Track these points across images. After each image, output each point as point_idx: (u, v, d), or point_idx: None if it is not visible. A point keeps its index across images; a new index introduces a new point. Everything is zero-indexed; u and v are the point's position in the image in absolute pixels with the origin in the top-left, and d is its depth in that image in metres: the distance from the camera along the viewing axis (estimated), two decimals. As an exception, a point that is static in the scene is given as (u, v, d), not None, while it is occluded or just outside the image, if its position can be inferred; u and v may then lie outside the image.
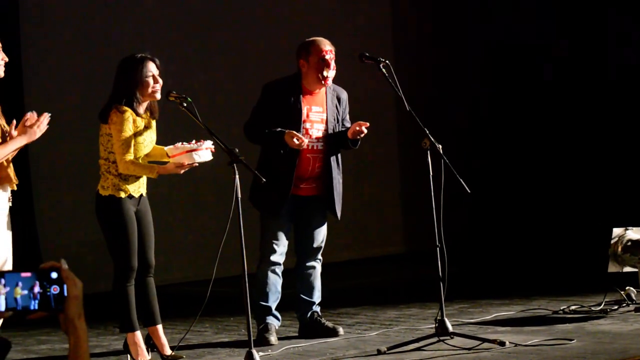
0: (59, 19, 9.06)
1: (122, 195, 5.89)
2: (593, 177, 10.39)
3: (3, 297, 2.36)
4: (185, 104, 5.81)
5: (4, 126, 5.38)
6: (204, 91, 9.31)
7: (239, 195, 5.64)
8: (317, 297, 6.56)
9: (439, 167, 5.98)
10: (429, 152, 5.99)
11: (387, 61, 6.11)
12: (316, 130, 6.37)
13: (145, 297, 6.07)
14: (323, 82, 6.31)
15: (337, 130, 6.45)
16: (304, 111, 6.34)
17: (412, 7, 11.17)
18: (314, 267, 6.55)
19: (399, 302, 7.67)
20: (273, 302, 6.44)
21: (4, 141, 5.32)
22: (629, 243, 6.94)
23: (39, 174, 8.78)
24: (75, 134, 8.73)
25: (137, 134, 5.88)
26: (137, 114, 5.88)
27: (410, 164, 10.19)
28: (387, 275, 9.61)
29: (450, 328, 5.98)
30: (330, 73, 6.30)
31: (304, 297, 6.54)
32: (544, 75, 10.92)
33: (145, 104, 5.95)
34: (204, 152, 5.86)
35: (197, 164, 5.92)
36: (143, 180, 6.01)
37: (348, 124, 6.50)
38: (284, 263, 6.47)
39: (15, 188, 5.43)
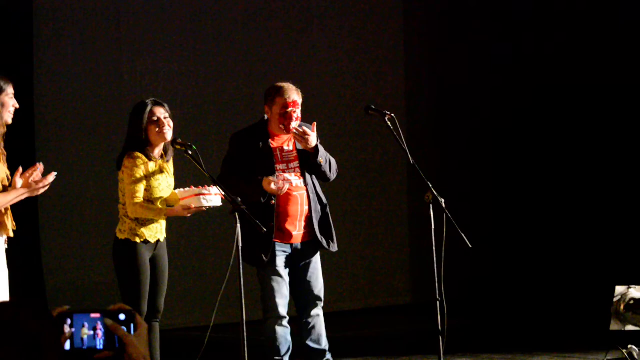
0: (71, 65, 9.15)
1: (138, 240, 6.00)
2: (597, 235, 10.36)
3: (68, 337, 2.41)
4: (190, 152, 5.89)
5: (8, 175, 5.42)
6: (215, 136, 9.37)
7: (240, 244, 5.68)
8: (325, 343, 6.50)
9: (443, 220, 6.00)
10: (431, 205, 6.01)
11: (393, 114, 6.14)
12: (292, 170, 6.34)
13: (149, 342, 6.10)
14: (286, 131, 6.29)
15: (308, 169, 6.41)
16: (277, 154, 6.32)
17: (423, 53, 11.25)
18: (318, 315, 6.49)
19: (401, 354, 7.65)
20: (285, 354, 6.39)
21: (5, 190, 5.36)
22: (632, 302, 6.92)
23: (47, 214, 8.84)
24: (85, 177, 8.80)
25: (150, 177, 5.99)
26: (150, 158, 5.99)
27: (420, 214, 10.20)
28: (391, 326, 9.58)
29: (449, 382, 5.96)
30: (293, 124, 6.27)
31: (314, 346, 6.46)
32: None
33: (159, 148, 6.09)
34: (214, 197, 5.94)
35: (205, 208, 5.99)
36: (161, 226, 6.09)
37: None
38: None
39: (12, 235, 5.45)
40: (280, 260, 6.32)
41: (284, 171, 6.31)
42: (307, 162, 6.35)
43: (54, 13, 9.13)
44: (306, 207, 6.34)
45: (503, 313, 9.89)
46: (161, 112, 6.05)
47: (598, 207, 10.49)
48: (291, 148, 6.38)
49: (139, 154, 5.99)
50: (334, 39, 10.64)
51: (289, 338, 6.41)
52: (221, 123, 9.66)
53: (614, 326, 6.96)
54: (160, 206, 6.01)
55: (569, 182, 10.70)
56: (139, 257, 5.98)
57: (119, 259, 6.02)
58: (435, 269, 5.96)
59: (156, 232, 6.06)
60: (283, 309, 6.34)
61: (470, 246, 5.95)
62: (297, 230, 6.33)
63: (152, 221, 6.02)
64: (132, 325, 2.46)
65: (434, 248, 5.97)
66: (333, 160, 6.48)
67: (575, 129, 10.64)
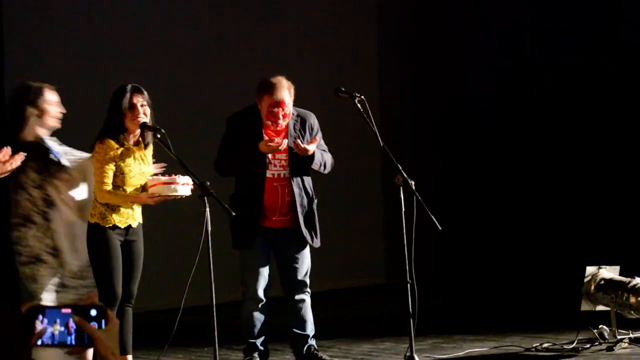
0: (43, 49, 9.10)
1: (107, 224, 5.99)
2: (567, 215, 10.40)
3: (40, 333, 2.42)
4: (159, 135, 5.85)
5: None
6: (188, 120, 9.32)
7: (209, 228, 5.67)
8: (310, 329, 6.53)
9: (413, 203, 6.00)
10: (401, 187, 6.02)
11: (362, 97, 6.13)
12: (278, 160, 6.35)
13: (121, 326, 6.08)
14: (272, 126, 6.31)
15: (298, 161, 6.40)
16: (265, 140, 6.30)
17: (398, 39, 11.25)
18: (303, 300, 6.51)
19: (374, 335, 7.67)
20: (259, 337, 6.42)
21: None
22: (602, 282, 6.97)
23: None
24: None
25: (120, 165, 5.95)
26: (122, 144, 5.95)
27: (394, 195, 10.20)
28: (365, 307, 9.60)
29: (419, 365, 5.98)
30: (281, 121, 6.27)
31: (297, 331, 6.52)
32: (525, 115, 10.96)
33: (134, 135, 6.04)
34: (182, 187, 5.91)
35: (173, 197, 5.96)
36: (133, 211, 6.08)
37: (324, 147, 6.50)
38: (274, 292, 6.46)
39: None
40: (260, 243, 6.34)
41: (269, 161, 6.31)
42: (299, 161, 6.34)
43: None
44: (288, 198, 6.35)
45: (475, 294, 9.93)
46: (139, 100, 6.01)
47: (569, 187, 10.53)
48: (280, 137, 6.34)
49: (110, 140, 5.95)
50: (306, 17, 10.62)
51: (263, 320, 6.42)
52: (195, 107, 9.64)
53: (585, 306, 7.02)
54: (129, 193, 5.98)
55: (539, 163, 10.73)
56: (108, 242, 5.98)
57: (89, 244, 5.98)
58: (406, 251, 5.96)
59: (127, 217, 6.04)
60: (260, 291, 6.36)
61: (440, 228, 5.96)
62: (276, 216, 6.36)
63: (121, 207, 5.99)
64: (102, 321, 2.46)
65: (404, 230, 5.97)
66: (328, 160, 6.49)
67: (549, 111, 10.68)
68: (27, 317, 2.39)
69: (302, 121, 6.44)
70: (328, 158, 6.49)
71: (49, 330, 2.43)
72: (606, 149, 10.34)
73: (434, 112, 11.15)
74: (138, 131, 6.04)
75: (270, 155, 6.30)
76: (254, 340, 6.43)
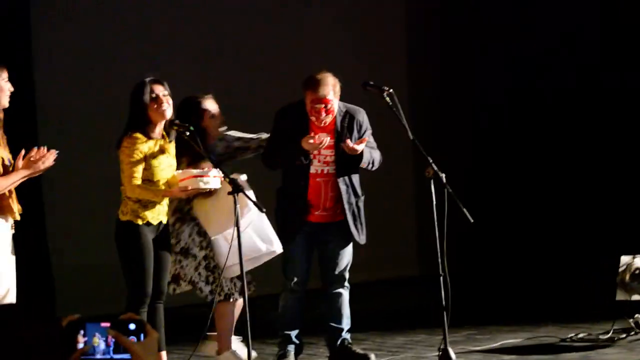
0: (70, 47, 9.15)
1: (140, 222, 5.94)
2: (602, 205, 10.33)
3: (82, 345, 2.42)
4: (187, 133, 5.85)
5: (9, 158, 5.42)
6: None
7: (240, 225, 5.67)
8: (346, 323, 6.54)
9: (444, 196, 5.97)
10: (432, 180, 6.00)
11: (391, 90, 6.10)
12: (323, 155, 6.35)
13: (153, 323, 6.09)
14: (317, 123, 6.30)
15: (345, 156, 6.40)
16: (312, 134, 6.28)
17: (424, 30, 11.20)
18: (340, 294, 6.52)
19: (408, 327, 7.67)
20: (293, 330, 6.46)
21: (6, 173, 5.36)
22: (637, 271, 6.91)
23: (52, 195, 8.84)
24: (88, 159, 8.79)
25: (150, 157, 5.92)
26: (150, 138, 5.93)
27: (426, 187, 10.18)
28: (398, 299, 9.59)
29: (454, 357, 5.96)
30: (324, 117, 6.25)
31: (332, 324, 6.53)
32: (547, 102, 10.90)
33: (159, 127, 6.00)
34: (212, 179, 5.90)
35: (203, 190, 5.96)
36: (163, 207, 6.04)
37: (373, 144, 6.48)
38: (311, 285, 6.48)
39: (19, 218, 5.47)
40: (301, 237, 6.36)
41: (314, 156, 6.31)
42: (346, 158, 6.33)
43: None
44: (332, 194, 6.35)
45: (509, 284, 9.89)
46: (160, 90, 5.98)
47: (603, 176, 10.46)
48: (327, 134, 6.31)
49: (138, 134, 5.91)
50: (334, 12, 10.60)
51: (300, 316, 6.45)
52: (227, 101, 9.64)
53: (620, 296, 6.96)
54: (161, 187, 5.97)
55: (574, 153, 10.68)
56: (142, 239, 5.93)
57: (121, 241, 5.98)
58: (438, 244, 5.95)
59: (158, 214, 6.01)
60: (298, 285, 6.40)
61: (472, 221, 5.93)
62: (319, 211, 6.37)
63: (154, 203, 5.95)
64: (142, 335, 2.46)
65: (435, 223, 5.95)
66: (377, 158, 6.49)
67: (574, 110, 10.64)
68: (67, 331, 2.39)
69: (350, 117, 6.40)
70: (377, 156, 6.48)
71: (94, 346, 2.43)
72: (638, 138, 10.28)
73: (464, 105, 11.10)
74: (163, 123, 6.01)
75: (315, 151, 6.29)
76: (288, 333, 6.45)
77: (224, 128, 6.54)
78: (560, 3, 10.67)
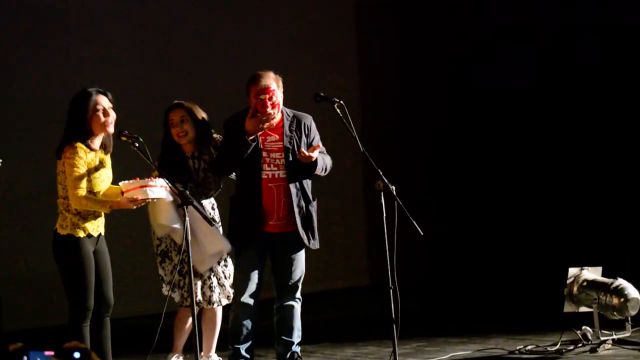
0: (18, 52, 9.04)
1: (81, 234, 5.87)
2: (549, 217, 10.42)
3: None
4: (137, 144, 5.79)
5: None
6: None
7: (189, 237, 5.63)
8: (296, 336, 6.50)
9: (394, 208, 5.97)
10: (382, 193, 5.99)
11: (342, 101, 6.10)
12: (273, 159, 6.31)
13: (100, 337, 6.02)
14: (261, 115, 6.23)
15: (295, 161, 6.35)
16: (259, 139, 6.28)
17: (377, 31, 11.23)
18: (292, 307, 6.47)
19: (357, 339, 7.65)
20: (242, 343, 6.38)
21: None
22: (585, 283, 6.96)
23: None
24: (34, 167, 8.69)
25: (91, 169, 5.85)
26: (91, 149, 5.86)
27: (377, 196, 10.19)
28: (348, 310, 9.58)
29: (403, 370, 5.96)
30: (270, 110, 6.22)
31: (283, 337, 6.47)
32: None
33: (99, 139, 5.94)
34: (158, 189, 5.87)
35: (150, 200, 5.92)
36: (102, 219, 5.98)
37: (323, 149, 6.45)
38: (263, 294, 6.41)
39: None
40: (255, 248, 6.29)
41: (264, 160, 6.26)
42: (296, 162, 6.29)
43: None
44: (285, 199, 6.30)
45: (458, 296, 9.93)
46: (105, 102, 5.92)
47: (550, 190, 10.55)
48: (276, 137, 6.32)
49: (81, 145, 5.83)
50: (284, 20, 10.60)
51: (250, 329, 6.37)
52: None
53: (568, 308, 7.01)
54: (101, 198, 5.89)
55: (521, 167, 10.75)
56: (84, 252, 5.85)
57: (62, 256, 5.87)
58: (388, 257, 5.94)
59: (97, 225, 5.95)
60: (248, 297, 6.31)
61: (422, 234, 5.93)
62: (274, 220, 6.31)
63: (93, 215, 5.88)
64: None
65: (385, 237, 5.94)
66: (328, 163, 6.47)
67: (533, 114, 10.72)
68: (13, 357, 2.35)
69: (297, 122, 6.40)
70: (328, 161, 6.47)
71: None
72: (586, 154, 10.37)
73: (417, 115, 11.13)
74: (102, 135, 5.94)
75: (265, 155, 6.25)
76: (238, 346, 6.39)
77: (218, 136, 6.53)
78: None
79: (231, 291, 6.51)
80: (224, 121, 6.45)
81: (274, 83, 6.28)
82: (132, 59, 9.63)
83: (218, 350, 6.68)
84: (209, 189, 6.52)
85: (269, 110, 6.23)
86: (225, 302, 6.53)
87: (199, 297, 6.41)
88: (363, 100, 10.77)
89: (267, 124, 6.18)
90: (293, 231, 6.37)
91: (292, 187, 6.34)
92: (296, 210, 6.34)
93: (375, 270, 10.77)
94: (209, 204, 6.55)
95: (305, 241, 6.41)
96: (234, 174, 6.47)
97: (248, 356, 6.41)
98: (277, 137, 6.34)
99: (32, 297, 8.69)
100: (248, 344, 6.40)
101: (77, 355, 2.42)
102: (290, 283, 6.43)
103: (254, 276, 6.32)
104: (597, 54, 10.44)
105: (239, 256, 6.33)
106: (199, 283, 6.42)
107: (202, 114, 6.55)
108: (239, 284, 6.34)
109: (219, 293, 6.50)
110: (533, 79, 10.72)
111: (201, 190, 6.46)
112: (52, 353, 2.41)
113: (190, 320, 6.35)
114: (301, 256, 6.46)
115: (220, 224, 6.56)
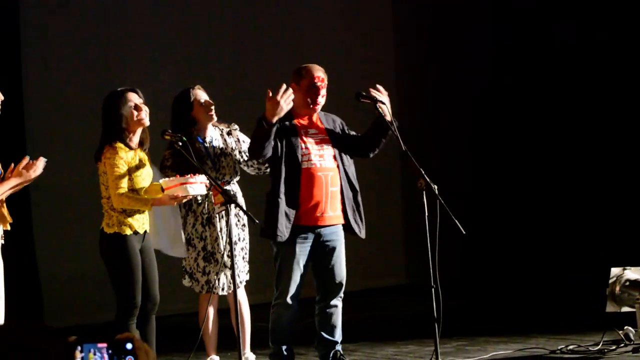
0: (59, 58, 9.12)
1: (128, 232, 5.91)
2: (592, 217, 10.35)
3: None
4: (180, 143, 5.83)
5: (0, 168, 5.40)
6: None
7: (233, 236, 5.65)
8: (338, 335, 6.44)
9: (436, 207, 5.95)
10: (424, 192, 5.97)
11: (383, 101, 6.10)
12: (320, 149, 6.25)
13: (146, 335, 6.06)
14: (312, 106, 6.23)
15: (343, 148, 6.34)
16: (302, 134, 6.24)
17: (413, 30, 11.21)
18: (336, 306, 6.40)
19: (397, 338, 7.64)
20: (284, 343, 6.34)
21: None
22: (627, 283, 6.91)
23: (39, 204, 8.81)
24: (77, 167, 8.75)
25: (132, 168, 5.90)
26: (130, 148, 5.91)
27: (413, 195, 10.19)
28: (387, 309, 9.58)
29: (445, 370, 5.95)
30: (320, 99, 6.24)
31: (325, 335, 6.40)
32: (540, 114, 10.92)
33: (137, 136, 5.99)
34: (198, 185, 5.89)
35: (191, 197, 5.96)
36: (146, 216, 6.02)
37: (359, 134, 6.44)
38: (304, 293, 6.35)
39: (9, 228, 5.43)
40: (300, 246, 6.19)
41: (309, 152, 6.20)
42: (343, 153, 6.27)
43: (41, 3, 9.08)
44: (332, 189, 6.22)
45: (499, 295, 9.89)
46: (136, 98, 5.96)
47: (594, 189, 10.49)
48: (316, 131, 6.29)
49: (120, 144, 5.88)
50: (324, 16, 10.61)
51: (292, 328, 6.33)
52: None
53: (610, 308, 6.96)
54: (144, 196, 5.94)
55: (564, 165, 10.70)
56: (131, 249, 5.89)
57: (110, 254, 5.92)
58: (430, 256, 5.92)
59: (143, 222, 5.99)
60: (292, 298, 6.23)
61: (464, 232, 5.90)
62: (320, 213, 6.22)
63: (137, 212, 5.92)
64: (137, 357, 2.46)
65: (427, 236, 5.92)
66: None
67: (562, 115, 10.66)
68: (70, 346, 2.39)
69: (333, 120, 6.43)
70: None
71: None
72: (632, 152, 10.30)
73: (454, 116, 11.11)
74: (139, 131, 5.98)
75: (309, 145, 6.21)
76: (280, 346, 6.35)
77: (235, 127, 6.52)
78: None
79: (241, 278, 6.44)
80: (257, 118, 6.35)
81: (325, 76, 6.31)
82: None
83: (252, 348, 6.67)
84: (223, 173, 6.44)
85: (321, 99, 6.22)
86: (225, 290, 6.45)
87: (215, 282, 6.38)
88: (399, 101, 10.76)
89: (286, 105, 5.99)
90: (340, 225, 6.31)
91: (342, 176, 6.29)
92: (346, 201, 6.27)
93: (413, 269, 10.76)
94: (230, 192, 6.39)
95: (357, 231, 6.34)
96: (266, 165, 6.40)
97: (288, 355, 6.40)
98: (317, 130, 6.31)
99: (76, 295, 8.76)
100: (289, 344, 6.39)
101: (129, 346, 2.45)
102: (337, 281, 6.36)
103: (297, 276, 6.23)
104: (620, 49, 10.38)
105: (283, 253, 6.23)
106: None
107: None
108: (283, 284, 6.23)
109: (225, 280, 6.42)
110: (561, 78, 10.67)
111: (216, 175, 6.39)
112: (105, 345, 2.45)
113: (211, 316, 6.42)
114: (344, 253, 6.41)
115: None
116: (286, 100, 6.01)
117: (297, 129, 6.25)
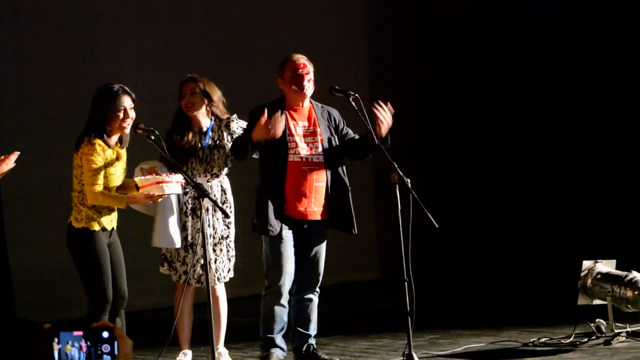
0: (32, 49, 9.05)
1: (96, 227, 5.89)
2: (563, 210, 10.42)
3: (56, 351, 2.42)
4: (152, 137, 5.81)
5: None
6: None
7: (206, 231, 5.64)
8: (313, 329, 6.44)
9: (409, 201, 5.97)
10: (397, 186, 5.98)
11: (357, 95, 6.09)
12: (306, 144, 6.22)
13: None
14: (300, 91, 6.20)
15: (335, 143, 6.31)
16: (291, 126, 6.21)
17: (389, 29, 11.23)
18: (311, 300, 6.40)
19: (371, 331, 7.65)
20: (278, 333, 6.31)
21: None
22: (599, 276, 6.96)
23: (10, 198, 8.74)
24: (48, 160, 8.70)
25: (107, 165, 5.89)
26: (108, 145, 5.89)
27: (387, 190, 10.20)
28: (360, 303, 9.59)
29: (418, 363, 5.97)
30: (306, 84, 6.19)
31: (300, 329, 6.40)
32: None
33: (116, 136, 5.97)
34: (174, 184, 5.89)
35: (166, 195, 5.94)
36: (115, 214, 6.02)
37: (354, 135, 6.40)
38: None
39: None
40: (289, 236, 6.18)
41: (298, 144, 6.17)
42: (332, 147, 6.26)
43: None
44: (318, 184, 6.19)
45: (471, 288, 9.93)
46: (128, 102, 5.94)
47: (565, 182, 10.55)
48: (307, 124, 6.26)
49: (99, 141, 5.87)
50: (296, 18, 10.60)
51: (285, 318, 6.31)
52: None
53: (582, 300, 7.01)
54: (117, 194, 5.92)
55: (535, 160, 10.76)
56: (99, 244, 5.88)
57: (78, 249, 5.90)
58: (403, 250, 5.93)
59: (111, 219, 5.99)
60: (284, 287, 6.22)
61: (437, 226, 5.92)
62: (305, 207, 6.20)
63: (108, 209, 5.91)
64: (115, 343, 2.45)
65: (400, 229, 5.93)
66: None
67: (542, 110, 10.73)
68: (47, 336, 2.38)
69: (328, 113, 6.39)
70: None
71: (63, 350, 2.42)
72: (602, 147, 10.37)
73: (429, 109, 11.13)
74: (119, 133, 5.97)
75: (297, 139, 6.15)
76: (273, 336, 6.29)
77: (235, 116, 6.50)
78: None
79: (219, 275, 6.41)
80: (250, 110, 6.30)
81: (308, 62, 6.27)
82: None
83: (226, 343, 6.65)
84: (212, 166, 6.42)
85: (308, 84, 6.19)
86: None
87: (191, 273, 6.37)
88: (372, 95, 10.77)
89: (272, 132, 5.99)
90: (323, 220, 6.28)
91: (330, 173, 6.26)
92: (335, 197, 6.24)
93: (386, 263, 10.78)
94: (217, 184, 6.41)
95: (343, 228, 6.33)
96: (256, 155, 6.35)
97: (283, 346, 6.35)
98: (308, 123, 6.28)
99: (48, 290, 8.71)
100: (282, 334, 6.33)
101: (105, 334, 2.44)
102: (314, 274, 6.35)
103: (289, 266, 6.20)
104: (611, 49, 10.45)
105: (272, 244, 6.20)
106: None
107: (216, 93, 6.48)
108: (274, 274, 6.20)
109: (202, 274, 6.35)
110: (542, 74, 10.72)
111: (205, 167, 6.40)
112: (80, 333, 2.44)
113: (186, 309, 6.40)
114: (324, 249, 6.39)
115: (232, 208, 6.49)
116: (273, 126, 5.96)
117: (287, 122, 6.20)
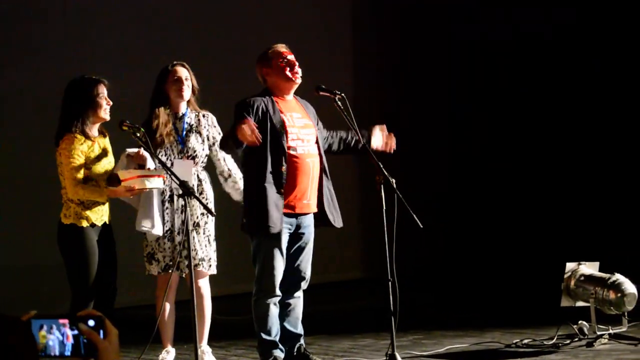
0: (12, 42, 9.02)
1: (85, 224, 5.86)
2: (547, 212, 10.45)
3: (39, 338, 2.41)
4: (138, 134, 5.79)
5: None
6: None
7: (190, 227, 5.63)
8: (300, 328, 6.34)
9: (394, 201, 5.96)
10: (382, 186, 5.97)
11: (343, 94, 6.08)
12: (305, 134, 6.12)
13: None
14: (293, 77, 6.10)
15: (321, 135, 6.24)
16: (286, 118, 6.08)
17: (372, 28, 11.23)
18: (299, 298, 6.31)
19: (354, 331, 7.65)
20: (277, 335, 6.18)
21: None
22: (582, 278, 6.98)
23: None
24: (34, 157, 8.67)
25: (90, 158, 5.85)
26: (89, 137, 5.85)
27: (372, 189, 10.19)
28: (344, 302, 9.59)
29: (401, 363, 5.97)
30: (298, 70, 6.11)
31: (290, 329, 6.27)
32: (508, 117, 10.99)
33: (97, 126, 5.94)
34: (156, 179, 5.85)
35: (147, 189, 5.92)
36: (106, 208, 5.97)
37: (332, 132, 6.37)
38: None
39: None
40: (285, 236, 6.04)
41: (297, 135, 6.07)
42: (349, 143, 6.28)
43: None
44: (315, 176, 6.10)
45: (454, 290, 9.94)
46: (104, 91, 5.91)
47: (548, 184, 10.58)
48: (300, 115, 6.18)
49: (77, 135, 5.82)
50: (280, 18, 10.60)
51: (278, 317, 6.19)
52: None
53: (565, 302, 7.03)
54: (102, 185, 5.89)
55: (518, 163, 10.78)
56: (87, 241, 5.85)
57: (66, 245, 5.88)
58: (387, 249, 5.93)
59: (102, 214, 5.95)
60: (278, 288, 6.09)
61: (422, 226, 5.92)
62: (305, 200, 6.08)
63: (96, 204, 5.88)
64: (101, 331, 2.42)
65: (385, 229, 5.93)
66: None
67: (526, 114, 10.75)
68: (26, 326, 2.36)
69: (308, 106, 6.32)
70: None
71: (48, 342, 2.40)
72: (586, 151, 10.41)
73: (413, 110, 11.15)
74: (99, 123, 5.93)
75: (296, 130, 6.05)
76: (272, 338, 6.15)
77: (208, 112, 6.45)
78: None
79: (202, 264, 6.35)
80: (236, 103, 6.12)
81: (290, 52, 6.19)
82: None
83: (210, 342, 6.63)
84: (189, 147, 6.29)
85: (297, 69, 6.11)
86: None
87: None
88: (356, 96, 10.78)
89: (252, 141, 5.73)
90: (313, 214, 6.17)
91: (324, 164, 6.19)
92: (325, 190, 6.16)
93: (370, 263, 10.79)
94: (194, 173, 6.28)
95: (332, 221, 6.21)
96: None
97: (282, 347, 6.21)
98: (300, 114, 6.20)
99: (31, 286, 8.68)
100: (279, 334, 6.20)
101: (91, 322, 2.42)
102: (304, 272, 6.25)
103: (281, 267, 6.07)
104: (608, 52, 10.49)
105: (267, 243, 6.03)
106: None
107: (196, 84, 6.43)
108: (269, 276, 6.05)
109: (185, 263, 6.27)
110: (536, 75, 10.75)
111: (180, 148, 6.29)
112: (66, 321, 2.42)
113: (168, 306, 6.37)
114: (312, 245, 6.29)
115: (212, 200, 6.43)
116: (252, 136, 5.73)
117: (281, 113, 6.07)
